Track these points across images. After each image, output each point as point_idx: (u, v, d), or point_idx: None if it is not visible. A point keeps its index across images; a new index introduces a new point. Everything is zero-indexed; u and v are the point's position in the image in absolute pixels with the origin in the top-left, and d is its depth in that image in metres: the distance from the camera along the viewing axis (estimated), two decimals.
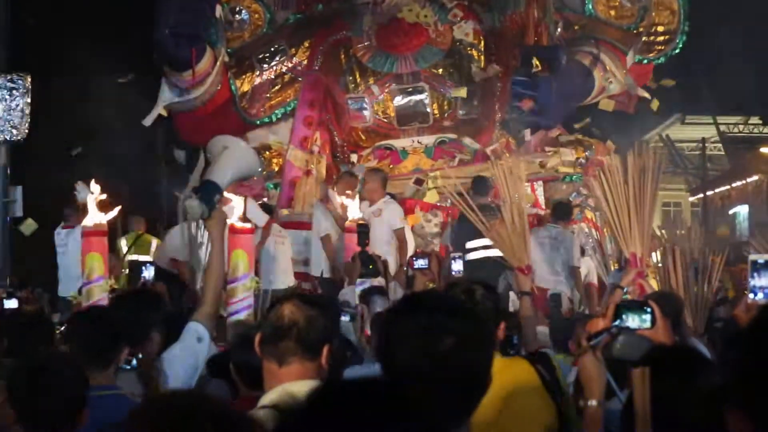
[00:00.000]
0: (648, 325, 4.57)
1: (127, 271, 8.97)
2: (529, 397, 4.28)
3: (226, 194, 7.70)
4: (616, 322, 4.54)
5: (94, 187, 8.07)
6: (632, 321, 4.58)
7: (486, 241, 12.02)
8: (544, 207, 13.99)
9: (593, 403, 4.04)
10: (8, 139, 14.42)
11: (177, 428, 2.32)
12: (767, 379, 1.75)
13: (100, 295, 8.19)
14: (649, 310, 4.58)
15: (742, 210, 29.42)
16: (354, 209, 10.41)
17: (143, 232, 15.07)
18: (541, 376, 4.34)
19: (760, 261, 5.91)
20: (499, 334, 4.52)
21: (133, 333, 4.97)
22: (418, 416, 1.83)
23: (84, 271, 8.39)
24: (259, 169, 7.66)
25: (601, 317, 4.54)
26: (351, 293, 7.70)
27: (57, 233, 13.21)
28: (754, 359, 1.80)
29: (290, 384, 3.65)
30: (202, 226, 6.35)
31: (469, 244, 12.34)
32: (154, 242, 14.01)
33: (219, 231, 5.65)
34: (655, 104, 16.44)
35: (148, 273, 9.08)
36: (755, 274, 5.83)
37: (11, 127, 14.34)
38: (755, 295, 5.66)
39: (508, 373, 4.17)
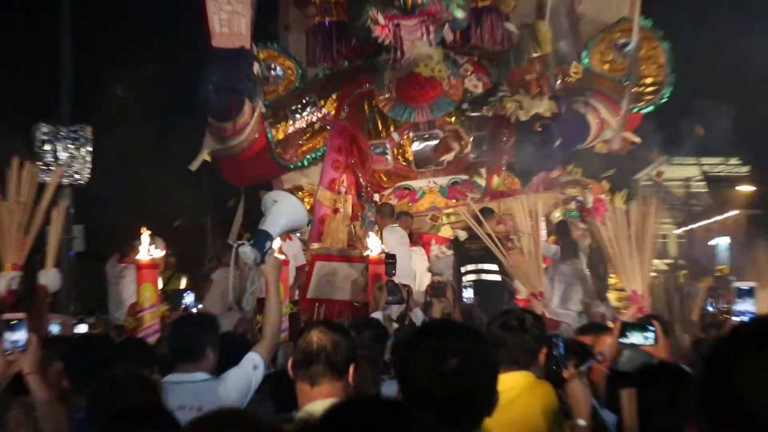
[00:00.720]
0: (651, 342, 4.55)
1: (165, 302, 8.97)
2: (550, 420, 4.21)
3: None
4: (622, 339, 4.53)
5: (159, 242, 8.14)
6: (636, 338, 4.56)
7: (481, 266, 12.05)
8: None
9: (582, 422, 4.04)
10: (72, 183, 14.47)
11: None
12: (715, 394, 1.73)
13: (152, 321, 8.18)
14: (652, 329, 4.56)
15: (723, 242, 29.31)
16: (375, 243, 10.35)
17: (174, 271, 15.04)
18: (559, 399, 4.29)
19: (744, 288, 5.86)
20: (541, 358, 4.47)
21: (191, 350, 5.21)
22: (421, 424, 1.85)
23: (138, 299, 8.40)
24: (307, 221, 7.73)
25: (609, 336, 4.52)
26: (379, 317, 7.68)
27: (111, 266, 13.20)
28: (707, 375, 1.78)
29: (319, 402, 3.64)
30: (252, 271, 6.41)
31: (463, 268, 12.36)
32: (184, 279, 13.96)
33: (274, 275, 5.70)
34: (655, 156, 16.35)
35: (189, 299, 9.07)
36: (738, 300, 5.78)
37: (74, 172, 14.41)
38: (739, 318, 5.60)
39: (535, 393, 4.15)
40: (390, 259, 9.34)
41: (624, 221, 6.26)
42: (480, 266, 12.07)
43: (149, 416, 3.36)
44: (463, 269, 12.38)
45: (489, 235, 8.99)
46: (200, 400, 4.93)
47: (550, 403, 4.20)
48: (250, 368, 5.28)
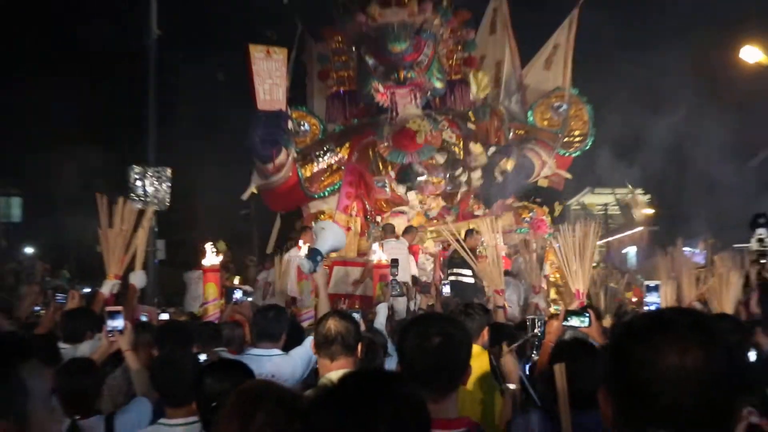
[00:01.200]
0: (587, 324, 4.52)
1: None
2: (483, 380, 4.29)
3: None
4: (564, 322, 4.50)
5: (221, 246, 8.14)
6: (575, 322, 4.53)
7: (458, 270, 12.01)
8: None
9: (512, 386, 4.07)
10: (157, 209, 14.51)
11: (253, 403, 2.49)
12: (617, 368, 1.72)
13: (214, 311, 8.14)
14: (587, 314, 4.53)
15: (632, 250, 29.24)
16: (379, 253, 10.28)
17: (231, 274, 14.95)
18: (491, 364, 4.36)
19: (650, 284, 5.81)
20: (484, 335, 4.57)
21: (272, 333, 5.24)
22: (407, 387, 1.88)
23: (204, 294, 8.38)
24: (345, 243, 7.87)
25: (555, 320, 4.51)
26: (383, 307, 7.63)
27: (188, 273, 13.28)
28: (611, 354, 1.77)
29: (335, 372, 3.69)
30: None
31: (448, 271, 12.35)
32: (237, 279, 13.92)
33: (323, 280, 5.85)
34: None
35: (238, 295, 9.06)
36: (647, 294, 5.73)
37: (158, 201, 14.42)
38: (648, 308, 5.56)
39: (476, 361, 4.18)
40: (394, 263, 9.32)
41: (571, 236, 6.22)
42: (458, 270, 12.03)
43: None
44: (447, 271, 12.35)
45: (464, 248, 8.95)
46: (275, 370, 4.95)
47: (485, 368, 4.35)
48: (310, 348, 5.33)
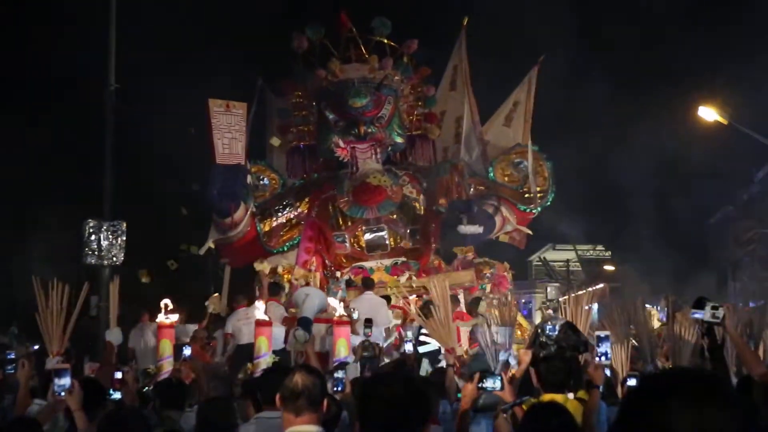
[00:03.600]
0: (499, 387, 4.60)
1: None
2: None
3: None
4: (479, 384, 4.60)
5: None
6: (490, 383, 4.63)
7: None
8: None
9: None
10: (110, 263, 14.40)
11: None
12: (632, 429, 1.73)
13: (168, 368, 8.11)
14: (499, 377, 4.62)
15: (594, 306, 29.54)
16: (340, 309, 10.27)
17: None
18: None
19: (601, 335, 5.95)
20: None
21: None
22: None
23: (158, 351, 8.36)
24: (326, 302, 8.00)
25: (470, 382, 4.60)
26: (354, 368, 7.59)
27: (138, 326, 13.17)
28: (624, 413, 1.78)
29: (300, 427, 3.74)
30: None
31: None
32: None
33: (312, 347, 5.98)
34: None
35: (187, 352, 9.02)
36: (600, 344, 5.85)
37: (112, 255, 14.32)
38: (599, 358, 5.67)
39: None
40: (368, 323, 9.18)
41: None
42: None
43: None
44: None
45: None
46: None
47: None
48: None
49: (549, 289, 24.91)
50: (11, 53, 21.98)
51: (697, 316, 5.28)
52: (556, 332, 4.83)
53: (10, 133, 20.09)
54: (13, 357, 7.89)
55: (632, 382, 5.88)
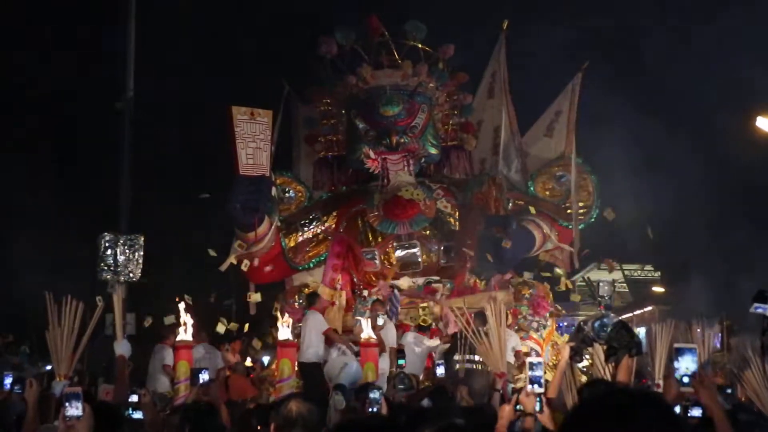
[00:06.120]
0: (539, 409, 4.58)
1: None
2: None
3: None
4: (517, 407, 4.58)
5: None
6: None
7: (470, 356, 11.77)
8: None
9: None
10: (126, 280, 14.43)
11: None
12: None
13: (185, 391, 8.09)
14: (538, 399, 4.60)
15: (641, 330, 29.24)
16: (367, 330, 10.17)
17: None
18: None
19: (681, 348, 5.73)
20: None
21: None
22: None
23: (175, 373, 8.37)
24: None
25: (508, 404, 4.59)
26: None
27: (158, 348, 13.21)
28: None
29: None
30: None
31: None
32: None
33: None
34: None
35: (204, 377, 8.99)
36: (678, 358, 5.64)
37: (129, 272, 14.35)
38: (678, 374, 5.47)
39: None
40: (400, 353, 9.03)
41: None
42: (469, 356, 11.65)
43: None
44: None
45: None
46: None
47: None
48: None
49: (602, 284, 24.68)
50: (27, 60, 22.31)
51: (759, 310, 5.11)
52: (608, 330, 4.71)
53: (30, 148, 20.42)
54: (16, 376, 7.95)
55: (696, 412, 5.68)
